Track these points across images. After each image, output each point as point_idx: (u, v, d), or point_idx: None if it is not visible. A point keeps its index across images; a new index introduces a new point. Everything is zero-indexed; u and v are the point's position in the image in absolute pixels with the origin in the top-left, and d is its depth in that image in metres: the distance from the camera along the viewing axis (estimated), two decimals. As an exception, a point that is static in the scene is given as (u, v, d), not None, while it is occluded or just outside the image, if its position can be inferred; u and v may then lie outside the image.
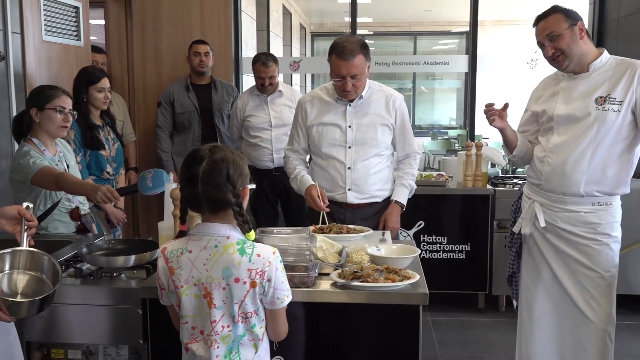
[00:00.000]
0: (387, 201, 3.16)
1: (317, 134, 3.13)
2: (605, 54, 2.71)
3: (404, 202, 3.15)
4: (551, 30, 2.64)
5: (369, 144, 3.08)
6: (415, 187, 3.23)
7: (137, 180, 2.70)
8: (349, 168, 3.08)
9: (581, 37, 2.65)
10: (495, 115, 2.78)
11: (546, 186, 2.78)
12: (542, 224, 2.79)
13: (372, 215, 3.14)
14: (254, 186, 1.89)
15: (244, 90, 5.44)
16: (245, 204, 1.83)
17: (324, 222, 2.91)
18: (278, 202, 4.70)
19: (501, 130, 2.86)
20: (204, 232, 1.79)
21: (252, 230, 1.80)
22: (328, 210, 2.98)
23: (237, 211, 1.76)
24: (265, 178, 4.52)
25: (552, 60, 2.71)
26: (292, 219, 4.61)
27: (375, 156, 3.10)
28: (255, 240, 1.82)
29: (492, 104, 2.81)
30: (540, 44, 2.71)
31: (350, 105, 3.09)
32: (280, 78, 4.74)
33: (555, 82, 2.82)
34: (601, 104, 2.63)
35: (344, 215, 3.12)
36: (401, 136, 3.17)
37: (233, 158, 1.77)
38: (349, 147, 3.08)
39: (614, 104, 2.61)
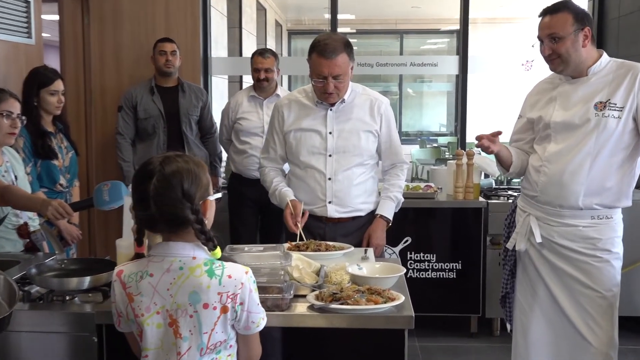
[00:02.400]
0: (372, 215, 3.17)
1: (295, 141, 3.14)
2: (605, 56, 2.76)
3: (390, 217, 3.16)
4: (554, 31, 2.68)
5: (351, 152, 3.09)
6: (402, 199, 3.25)
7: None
8: (329, 179, 3.09)
9: (584, 44, 2.69)
10: (490, 143, 2.81)
11: (542, 198, 2.81)
12: (538, 239, 2.82)
13: (355, 230, 3.14)
14: (219, 196, 1.86)
15: (212, 93, 5.43)
16: (210, 217, 1.82)
17: (301, 239, 2.90)
18: (260, 216, 4.70)
19: (496, 154, 2.89)
20: (165, 252, 1.77)
21: (218, 248, 1.78)
22: (301, 225, 2.97)
23: (199, 229, 1.73)
24: (250, 188, 4.52)
25: (548, 60, 2.75)
26: (270, 235, 4.60)
27: (358, 166, 3.11)
28: (224, 259, 1.80)
29: (481, 137, 2.83)
30: (540, 39, 2.75)
31: (331, 109, 3.10)
32: (286, 83, 4.75)
33: (552, 86, 2.86)
34: (601, 110, 2.67)
35: (324, 230, 3.12)
36: (387, 144, 3.19)
37: (188, 168, 1.74)
38: (330, 156, 3.09)
39: (615, 109, 2.66)
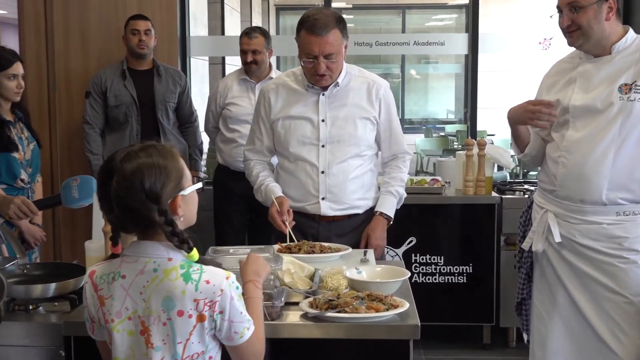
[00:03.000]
0: (370, 213, 3.18)
1: (284, 130, 3.14)
2: (631, 33, 2.77)
3: (391, 214, 3.17)
4: None
5: (346, 142, 3.10)
6: (404, 195, 3.25)
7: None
8: (322, 172, 3.09)
9: (607, 17, 2.69)
10: (551, 116, 2.77)
11: (561, 192, 2.82)
12: (557, 238, 2.83)
13: (352, 230, 3.15)
14: (199, 186, 1.86)
15: (192, 76, 5.42)
16: (189, 213, 1.82)
17: (291, 240, 2.91)
18: (248, 213, 4.70)
19: (514, 130, 2.90)
20: (140, 252, 1.78)
21: (195, 250, 1.78)
22: (290, 224, 2.96)
23: (169, 232, 1.73)
24: (238, 182, 4.52)
25: (566, 32, 2.76)
26: (260, 236, 4.61)
27: (354, 157, 3.12)
28: (206, 262, 1.80)
29: (538, 102, 2.80)
30: (559, 9, 2.76)
31: (323, 94, 3.10)
32: (275, 66, 4.75)
33: (571, 66, 2.87)
34: (626, 93, 2.68)
35: (317, 230, 3.12)
36: (387, 132, 3.19)
37: (150, 163, 1.73)
38: (323, 146, 3.10)
39: None
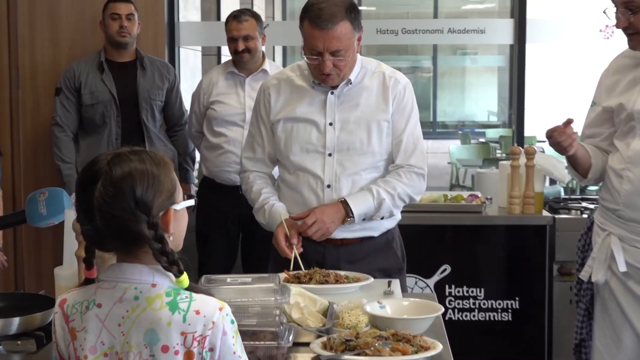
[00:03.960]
0: (387, 236, 3.18)
1: (284, 134, 3.14)
2: None
3: (356, 212, 3.00)
4: None
5: (358, 151, 3.09)
6: (389, 206, 3.04)
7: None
8: (327, 186, 3.09)
9: None
10: (570, 141, 2.80)
11: (626, 213, 2.82)
12: (622, 267, 2.83)
13: (364, 256, 3.14)
14: (191, 203, 1.87)
15: (181, 70, 5.45)
16: (179, 232, 1.83)
17: (296, 267, 2.91)
18: (239, 237, 4.71)
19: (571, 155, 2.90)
20: (118, 277, 1.78)
21: (185, 274, 1.78)
22: (298, 249, 2.96)
23: (158, 249, 1.74)
24: (226, 198, 4.52)
25: (625, 33, 2.78)
26: (252, 263, 4.62)
27: (368, 169, 3.10)
28: (193, 289, 1.80)
29: (554, 130, 2.82)
30: (615, 6, 2.77)
31: (332, 92, 3.11)
32: (280, 59, 4.76)
33: (634, 62, 2.88)
34: None
35: (322, 255, 3.11)
36: (397, 139, 3.11)
37: (143, 169, 1.75)
38: (329, 155, 3.09)
39: None
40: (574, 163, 2.98)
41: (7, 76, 5.22)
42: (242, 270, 4.70)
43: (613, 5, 2.77)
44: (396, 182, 3.07)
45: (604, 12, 2.82)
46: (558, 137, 2.83)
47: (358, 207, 3.01)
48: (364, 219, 3.04)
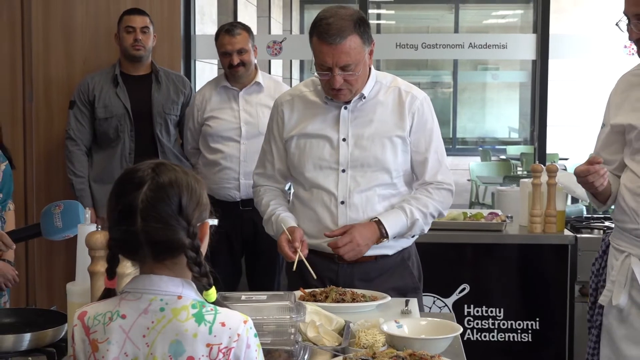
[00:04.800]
0: (402, 254, 3.18)
1: (298, 150, 3.16)
2: None
3: (391, 233, 3.03)
4: None
5: (372, 167, 3.10)
6: (421, 226, 3.10)
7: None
8: (341, 202, 3.09)
9: None
10: (602, 179, 2.78)
11: None
12: None
13: (379, 275, 3.14)
14: (215, 222, 1.91)
15: (197, 83, 5.47)
16: (204, 246, 1.86)
17: (300, 267, 2.90)
18: (243, 254, 4.72)
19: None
20: (144, 288, 1.80)
21: (214, 288, 1.82)
22: (304, 253, 2.95)
23: (193, 258, 1.78)
24: (227, 215, 4.53)
25: (638, 44, 2.77)
26: (257, 279, 4.63)
27: (383, 186, 3.11)
28: (218, 303, 1.83)
29: (589, 170, 2.78)
30: (628, 18, 2.76)
31: (345, 108, 3.12)
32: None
33: None
34: None
35: (336, 273, 3.11)
36: (419, 156, 3.13)
37: (187, 181, 1.82)
38: (343, 171, 3.10)
39: None
40: (595, 194, 2.96)
41: (20, 90, 5.25)
42: (247, 286, 4.71)
43: (625, 17, 2.76)
44: (427, 199, 3.10)
45: (617, 24, 2.82)
46: (593, 179, 2.79)
47: (392, 227, 3.04)
48: (394, 237, 3.07)
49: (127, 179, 1.81)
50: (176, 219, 1.77)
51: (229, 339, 1.76)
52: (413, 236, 3.19)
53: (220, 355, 1.75)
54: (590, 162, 2.81)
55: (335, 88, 2.99)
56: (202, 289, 1.80)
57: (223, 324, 1.76)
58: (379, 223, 3.03)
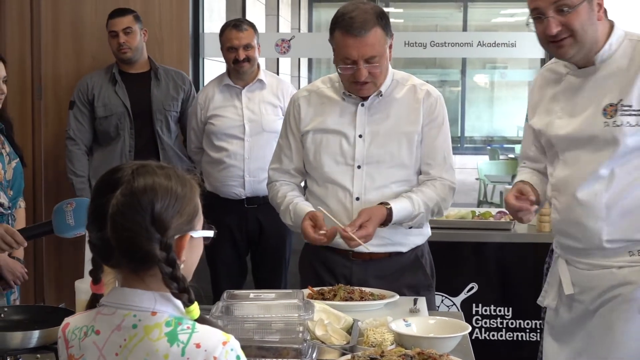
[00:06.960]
0: (416, 252, 3.19)
1: (314, 146, 3.17)
2: (617, 31, 2.64)
3: (394, 219, 3.03)
4: None
5: (388, 163, 3.11)
6: (422, 213, 3.08)
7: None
8: (357, 199, 3.10)
9: (599, 17, 2.58)
10: (530, 213, 2.75)
11: (560, 239, 2.76)
12: (568, 290, 2.73)
13: (393, 272, 3.15)
14: (210, 234, 1.83)
15: (206, 81, 5.48)
16: (191, 261, 1.77)
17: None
18: (249, 252, 4.72)
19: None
20: (118, 302, 1.72)
21: (196, 304, 1.69)
22: (325, 238, 2.95)
23: (168, 273, 1.65)
24: (231, 213, 4.54)
25: (554, 43, 2.63)
26: (263, 276, 4.64)
27: (398, 182, 3.12)
28: (203, 321, 1.71)
29: (521, 208, 2.73)
30: (537, 13, 2.62)
31: (363, 104, 3.13)
32: (262, 64, 4.78)
33: (555, 78, 2.78)
34: (611, 117, 2.57)
35: (350, 270, 3.13)
36: (428, 148, 3.14)
37: (167, 186, 1.69)
38: (358, 167, 3.12)
39: (630, 114, 2.55)
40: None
41: (29, 87, 5.25)
42: (253, 284, 4.72)
43: (537, 14, 2.62)
44: (433, 194, 3.10)
45: (527, 24, 2.75)
46: (522, 215, 2.75)
47: (397, 215, 3.01)
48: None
49: (106, 179, 1.71)
50: (147, 229, 1.64)
51: None
52: (410, 227, 3.14)
53: None
54: (520, 192, 2.75)
55: (361, 81, 3.00)
56: (185, 305, 1.68)
57: (198, 345, 1.64)
58: (388, 208, 3.00)
